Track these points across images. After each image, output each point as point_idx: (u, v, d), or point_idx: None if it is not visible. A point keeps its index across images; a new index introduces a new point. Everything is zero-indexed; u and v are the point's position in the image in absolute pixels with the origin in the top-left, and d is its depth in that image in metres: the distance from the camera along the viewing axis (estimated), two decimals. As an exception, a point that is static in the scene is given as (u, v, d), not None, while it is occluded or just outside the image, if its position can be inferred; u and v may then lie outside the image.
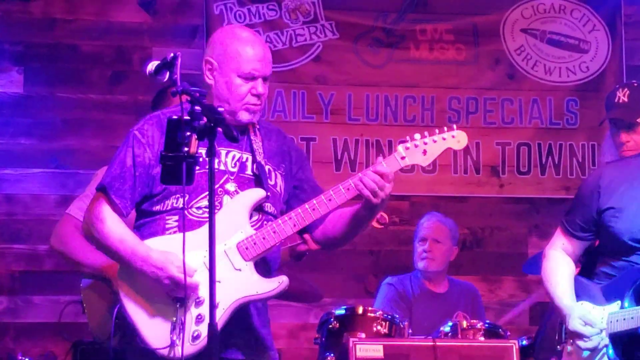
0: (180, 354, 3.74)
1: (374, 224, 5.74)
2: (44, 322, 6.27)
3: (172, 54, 3.77)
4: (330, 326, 5.49)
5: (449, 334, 5.52)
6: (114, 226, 3.88)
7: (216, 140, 3.80)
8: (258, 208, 3.96)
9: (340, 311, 5.54)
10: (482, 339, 5.47)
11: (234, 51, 3.99)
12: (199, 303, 3.81)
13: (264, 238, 3.89)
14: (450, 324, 5.58)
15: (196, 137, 3.45)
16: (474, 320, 5.64)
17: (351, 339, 5.24)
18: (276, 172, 4.05)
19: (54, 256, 5.96)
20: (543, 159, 7.15)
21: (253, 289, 3.87)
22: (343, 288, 6.90)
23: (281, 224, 3.91)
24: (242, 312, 3.92)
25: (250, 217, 3.94)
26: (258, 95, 3.97)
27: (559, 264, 4.46)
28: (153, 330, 3.81)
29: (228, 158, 3.98)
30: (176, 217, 3.90)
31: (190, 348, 3.77)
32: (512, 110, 7.17)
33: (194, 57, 6.69)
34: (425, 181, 7.05)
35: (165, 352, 3.78)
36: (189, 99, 3.51)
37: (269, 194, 3.97)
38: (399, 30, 7.09)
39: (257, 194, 3.95)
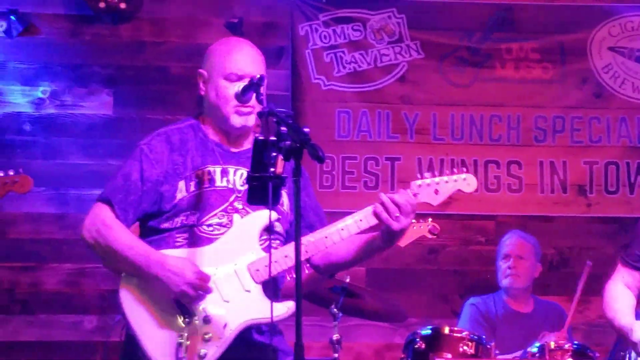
0: None
1: (427, 234, 5.72)
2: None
3: (257, 76, 3.81)
4: (416, 346, 5.45)
5: (537, 355, 5.46)
6: (122, 232, 3.83)
7: (223, 158, 3.87)
8: (267, 228, 3.89)
9: (426, 331, 5.50)
10: (570, 360, 5.41)
11: (219, 56, 3.97)
12: (207, 320, 3.77)
13: (275, 261, 3.80)
14: (537, 344, 5.51)
15: (282, 157, 3.46)
16: (562, 341, 5.57)
17: (437, 360, 5.21)
18: (282, 191, 3.93)
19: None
20: (632, 178, 7.05)
21: (261, 312, 3.78)
22: (428, 308, 6.86)
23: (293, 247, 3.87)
24: (249, 331, 3.86)
25: (260, 237, 3.89)
26: (243, 102, 3.91)
27: (619, 295, 4.40)
28: (158, 346, 3.75)
29: (236, 176, 3.93)
30: (185, 235, 3.85)
31: None
32: (600, 128, 7.08)
33: (280, 78, 6.82)
34: (511, 201, 7.00)
35: None
36: (274, 119, 3.53)
37: (280, 216, 3.93)
38: (485, 50, 7.06)
39: (267, 215, 3.83)
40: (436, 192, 3.99)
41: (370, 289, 6.06)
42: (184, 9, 6.91)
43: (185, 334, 3.73)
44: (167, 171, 3.89)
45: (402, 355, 5.57)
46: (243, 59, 3.95)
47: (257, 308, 3.79)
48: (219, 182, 3.90)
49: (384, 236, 3.88)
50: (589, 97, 7.10)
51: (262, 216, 3.85)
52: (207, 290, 3.75)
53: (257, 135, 3.60)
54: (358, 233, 3.90)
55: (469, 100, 7.03)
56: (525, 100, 7.07)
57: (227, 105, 3.94)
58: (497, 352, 5.53)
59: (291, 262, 3.79)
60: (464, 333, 5.49)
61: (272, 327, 3.84)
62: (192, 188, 3.89)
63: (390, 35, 7.02)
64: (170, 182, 3.87)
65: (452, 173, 4.05)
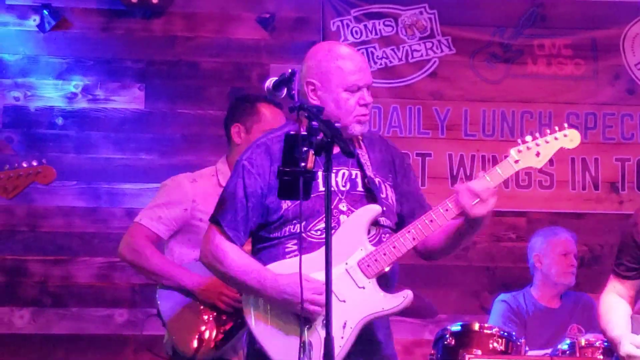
0: None
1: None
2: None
3: (289, 70, 3.81)
4: (446, 342, 5.45)
5: (567, 352, 5.44)
6: (236, 257, 3.89)
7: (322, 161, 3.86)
8: (374, 223, 3.94)
9: (456, 327, 5.50)
10: (601, 357, 5.38)
11: (335, 67, 3.95)
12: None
13: (384, 254, 3.87)
14: (567, 341, 5.49)
15: (313, 152, 3.47)
16: (592, 339, 5.54)
17: (467, 356, 5.21)
18: (386, 184, 4.01)
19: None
20: (665, 175, 7.03)
21: (379, 306, 3.85)
22: (458, 304, 6.85)
23: (400, 238, 3.89)
24: (367, 329, 3.90)
25: (368, 232, 3.93)
26: (366, 105, 3.96)
27: (612, 306, 4.35)
28: (283, 354, 3.81)
29: (338, 177, 3.96)
30: (295, 241, 3.89)
31: None
32: (632, 125, 7.04)
33: (311, 73, 6.81)
34: (542, 197, 6.97)
35: None
36: (305, 114, 3.54)
37: (384, 208, 3.95)
38: (517, 46, 7.04)
39: (373, 210, 3.92)
40: (538, 154, 3.98)
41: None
42: (215, 4, 6.93)
43: (307, 339, 3.76)
44: (269, 183, 3.91)
45: (432, 352, 5.57)
46: (361, 71, 3.98)
47: (374, 302, 3.83)
48: (322, 187, 3.86)
49: (468, 222, 3.92)
50: (622, 93, 7.06)
51: (365, 213, 3.91)
52: (322, 303, 3.73)
53: (274, 138, 3.61)
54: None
55: (501, 96, 7.01)
56: (557, 96, 7.04)
57: (349, 116, 3.95)
58: (527, 348, 5.52)
59: (400, 252, 3.88)
60: (494, 329, 5.48)
61: (386, 323, 3.96)
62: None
63: (421, 30, 7.01)
64: (274, 193, 3.86)
65: (553, 131, 4.03)
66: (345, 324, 3.80)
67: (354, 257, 3.87)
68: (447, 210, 3.90)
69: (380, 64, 6.95)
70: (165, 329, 4.94)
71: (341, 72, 3.95)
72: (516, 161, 3.95)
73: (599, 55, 7.06)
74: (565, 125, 4.06)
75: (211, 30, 6.92)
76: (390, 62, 6.94)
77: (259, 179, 3.92)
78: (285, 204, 3.90)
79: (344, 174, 3.96)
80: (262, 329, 3.86)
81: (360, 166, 4.00)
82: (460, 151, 6.96)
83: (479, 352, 5.34)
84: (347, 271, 3.86)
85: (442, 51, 7.01)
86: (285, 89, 3.80)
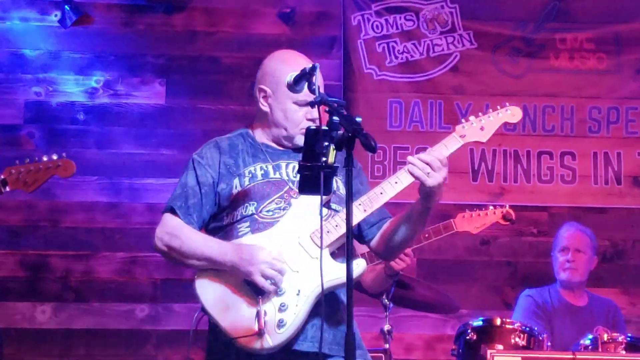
0: (269, 342, 3.77)
1: (500, 221, 5.69)
2: (184, 329, 6.38)
3: (310, 65, 3.81)
4: (468, 337, 5.45)
5: (589, 347, 5.42)
6: (192, 232, 3.96)
7: (273, 157, 4.01)
8: (326, 206, 3.95)
9: (478, 322, 5.51)
10: (624, 352, 5.36)
11: (281, 78, 3.98)
12: (280, 294, 3.83)
13: (336, 225, 3.89)
14: (590, 336, 5.48)
15: (334, 147, 3.47)
16: (615, 334, 5.53)
17: (489, 351, 5.20)
18: (336, 179, 3.99)
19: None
20: (688, 170, 6.99)
21: (333, 275, 3.81)
22: (480, 299, 6.84)
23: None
24: (332, 307, 3.90)
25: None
26: (312, 120, 3.96)
27: None
28: (238, 324, 3.82)
29: (289, 169, 4.03)
30: (247, 224, 3.94)
31: (277, 336, 3.79)
32: (655, 120, 7.02)
33: (332, 68, 6.82)
34: (564, 192, 6.95)
35: (251, 340, 3.78)
36: (326, 109, 3.54)
37: (334, 189, 3.95)
38: (539, 40, 7.02)
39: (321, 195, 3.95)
40: (482, 128, 4.09)
41: (422, 280, 6.06)
42: (237, -1, 6.95)
43: (263, 309, 3.80)
44: (220, 172, 4.03)
45: (453, 347, 5.57)
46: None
47: (327, 271, 3.76)
48: (272, 175, 4.01)
49: (422, 195, 3.91)
50: (645, 87, 7.04)
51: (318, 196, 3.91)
52: (282, 268, 3.83)
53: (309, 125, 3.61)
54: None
55: (522, 90, 6.99)
56: (580, 91, 7.02)
57: (295, 128, 4.03)
58: (549, 344, 5.51)
59: (350, 223, 3.82)
60: (515, 324, 5.48)
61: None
62: (247, 183, 4.00)
63: (442, 25, 7.00)
64: (225, 181, 4.01)
65: (495, 109, 4.14)
66: (299, 292, 3.82)
67: (306, 231, 3.89)
68: (396, 182, 3.94)
69: (402, 59, 6.95)
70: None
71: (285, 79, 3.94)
72: (462, 135, 4.04)
73: (622, 49, 7.04)
74: (507, 103, 4.16)
75: (232, 25, 6.94)
76: (412, 56, 6.93)
77: (209, 169, 4.03)
78: (236, 189, 3.98)
79: (294, 166, 4.00)
80: (214, 303, 3.87)
81: None
82: (482, 145, 6.91)
83: (501, 347, 5.34)
84: (300, 244, 3.89)
85: (463, 45, 7.00)
86: (306, 84, 3.81)
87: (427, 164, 3.87)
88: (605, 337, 5.42)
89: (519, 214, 6.84)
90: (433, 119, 6.95)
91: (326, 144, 3.47)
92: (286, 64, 4.04)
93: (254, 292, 3.84)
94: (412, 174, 3.88)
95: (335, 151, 3.48)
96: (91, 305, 6.70)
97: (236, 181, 4.01)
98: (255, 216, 3.94)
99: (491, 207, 5.70)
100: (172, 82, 6.87)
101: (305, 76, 3.76)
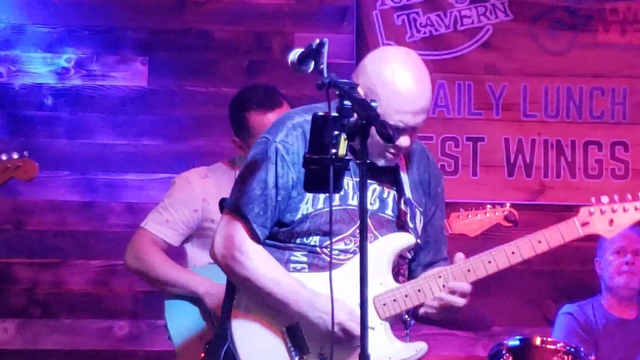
0: None
1: (503, 222, 5.69)
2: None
3: (317, 40, 3.77)
4: (502, 360, 5.45)
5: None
6: (264, 262, 3.84)
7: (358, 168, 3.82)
8: (401, 256, 3.91)
9: (514, 342, 5.50)
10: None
11: (384, 91, 3.82)
12: (321, 358, 3.80)
13: (406, 296, 3.84)
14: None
15: (345, 137, 3.43)
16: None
17: (528, 375, 5.20)
18: (418, 210, 3.95)
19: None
20: None
21: (385, 354, 3.80)
22: (516, 315, 6.85)
23: (428, 282, 3.86)
24: None
25: (391, 265, 3.89)
26: (399, 149, 3.86)
27: None
28: None
29: (367, 193, 3.82)
30: (304, 252, 3.86)
31: None
32: None
33: (343, 43, 6.80)
34: (615, 188, 6.87)
35: None
36: (337, 92, 3.50)
37: (418, 241, 3.92)
38: (585, 10, 7.00)
39: (405, 240, 3.88)
40: (611, 222, 4.00)
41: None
42: (230, -37, 6.94)
43: None
44: (299, 177, 3.85)
45: (485, 370, 5.58)
46: (413, 112, 3.82)
47: (381, 348, 3.77)
48: (351, 200, 3.86)
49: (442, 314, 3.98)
50: None
51: (395, 241, 3.89)
52: (356, 336, 3.70)
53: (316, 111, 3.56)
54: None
55: (566, 70, 6.99)
56: (633, 70, 7.02)
57: (375, 150, 3.81)
58: (599, 366, 5.52)
59: (424, 297, 3.86)
60: (558, 345, 5.49)
61: None
62: (321, 204, 3.86)
63: (472, -8, 7.00)
64: (298, 188, 3.85)
65: (636, 198, 4.03)
66: None
67: (370, 291, 3.70)
68: (513, 252, 3.97)
69: (425, 32, 6.93)
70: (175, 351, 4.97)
71: (387, 102, 3.80)
72: (584, 224, 3.96)
73: (683, 20, 7.04)
74: None
75: (226, -7, 6.93)
76: (436, 30, 6.92)
77: (292, 169, 3.86)
78: (305, 206, 3.85)
79: (374, 189, 3.91)
80: (249, 348, 3.81)
81: (397, 184, 3.96)
82: (519, 135, 6.94)
83: (541, 370, 5.34)
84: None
85: (496, 17, 6.99)
86: (313, 62, 3.77)
87: (463, 295, 3.90)
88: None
89: (562, 214, 6.80)
90: (462, 103, 6.94)
91: (336, 133, 3.41)
92: (394, 78, 3.82)
93: (293, 347, 3.79)
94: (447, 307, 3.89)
95: (346, 141, 3.43)
96: (61, 322, 6.71)
97: (309, 195, 3.84)
98: (318, 249, 3.84)
99: (489, 207, 5.71)
100: (155, 61, 6.87)
101: (312, 54, 3.73)
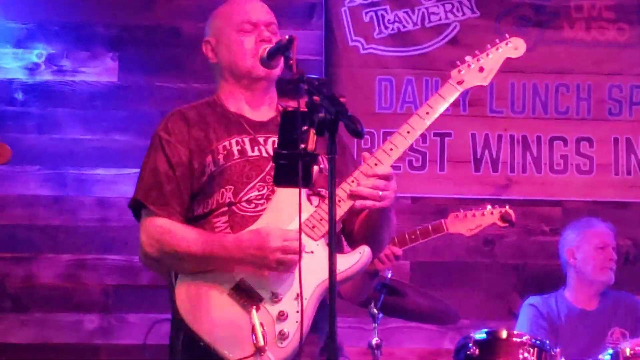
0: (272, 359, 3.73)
1: (498, 222, 5.70)
2: (139, 343, 6.36)
3: (287, 37, 3.80)
4: (469, 352, 5.46)
5: (610, 364, 5.46)
6: (183, 230, 3.87)
7: (250, 128, 3.96)
8: (315, 193, 3.93)
9: (481, 335, 5.53)
10: (651, 367, 5.40)
11: (223, 16, 4.10)
12: (275, 301, 3.79)
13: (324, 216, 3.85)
14: (610, 351, 5.51)
15: (314, 131, 3.45)
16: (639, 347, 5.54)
17: (493, 368, 5.23)
18: (322, 156, 3.89)
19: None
20: None
21: (338, 268, 3.74)
22: (483, 308, 6.86)
23: (342, 188, 3.86)
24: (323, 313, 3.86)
25: (308, 198, 3.90)
26: (268, 40, 3.99)
27: None
28: (231, 343, 3.77)
29: (268, 145, 3.98)
30: (225, 218, 3.89)
31: (280, 351, 3.75)
32: (685, 100, 7.05)
33: (311, 40, 6.81)
34: (580, 184, 6.97)
35: None
36: (305, 87, 3.52)
37: (322, 166, 3.91)
38: (550, 7, 7.02)
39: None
40: (481, 69, 4.09)
41: (415, 285, 6.06)
42: (200, -40, 6.93)
43: (257, 321, 3.76)
44: (190, 149, 3.95)
45: (452, 363, 5.59)
46: (251, 9, 4.09)
47: (325, 267, 3.65)
48: (251, 152, 3.95)
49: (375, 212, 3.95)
50: (673, 63, 7.07)
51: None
52: (296, 248, 3.73)
53: (284, 106, 3.59)
54: None
55: (532, 66, 6.98)
56: (598, 66, 7.04)
57: (246, 57, 4.01)
58: (562, 359, 5.53)
59: (345, 207, 3.84)
60: (524, 337, 5.52)
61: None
62: (222, 161, 3.94)
63: (440, -10, 7.01)
64: (197, 158, 3.94)
65: (494, 45, 4.15)
66: (297, 295, 3.76)
67: (296, 221, 3.74)
68: (408, 132, 4.01)
69: (392, 29, 6.94)
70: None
71: (229, 17, 4.08)
72: (459, 82, 4.05)
73: (646, 18, 7.07)
74: (507, 35, 4.20)
75: (195, -10, 6.92)
76: (404, 27, 6.93)
77: (179, 146, 3.95)
78: (209, 168, 3.92)
79: (274, 141, 3.91)
80: (199, 317, 3.80)
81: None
82: (485, 130, 6.96)
83: (507, 363, 5.37)
84: None
85: (463, 14, 7.00)
86: (282, 59, 3.79)
87: (375, 188, 3.85)
88: (628, 351, 5.45)
89: (528, 209, 6.88)
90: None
91: (305, 128, 3.44)
92: (225, 7, 4.13)
93: (245, 302, 3.78)
94: (362, 205, 3.86)
95: (315, 136, 3.46)
96: (32, 316, 6.68)
97: (209, 159, 3.94)
98: (234, 208, 3.88)
99: (489, 207, 5.71)
100: (125, 57, 6.85)
101: (281, 49, 3.75)
